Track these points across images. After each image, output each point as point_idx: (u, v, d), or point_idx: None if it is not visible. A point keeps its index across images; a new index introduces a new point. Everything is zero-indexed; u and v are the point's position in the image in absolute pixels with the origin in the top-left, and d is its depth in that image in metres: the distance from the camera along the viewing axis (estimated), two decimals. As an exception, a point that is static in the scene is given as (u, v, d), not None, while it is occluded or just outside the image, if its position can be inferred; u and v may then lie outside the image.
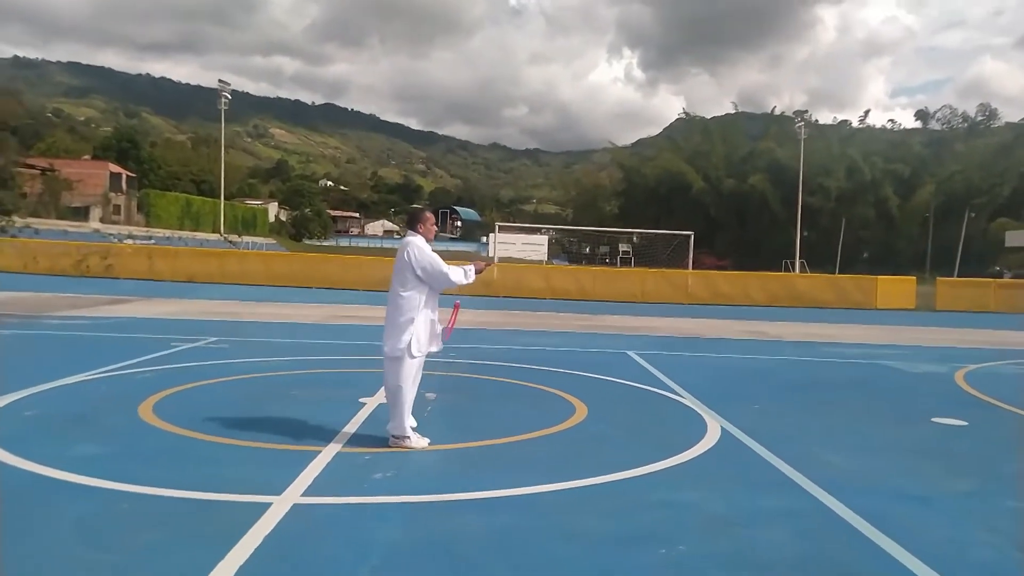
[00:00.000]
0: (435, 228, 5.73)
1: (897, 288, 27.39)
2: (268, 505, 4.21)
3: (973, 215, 60.57)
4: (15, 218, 39.07)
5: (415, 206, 6.00)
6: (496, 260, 31.17)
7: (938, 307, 26.44)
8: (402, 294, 5.51)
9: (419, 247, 5.50)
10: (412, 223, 5.76)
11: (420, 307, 5.51)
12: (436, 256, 5.54)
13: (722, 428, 6.61)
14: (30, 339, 11.11)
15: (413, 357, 5.51)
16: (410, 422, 5.65)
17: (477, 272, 5.68)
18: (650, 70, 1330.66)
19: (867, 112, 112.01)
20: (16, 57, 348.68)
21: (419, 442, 5.54)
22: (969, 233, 58.00)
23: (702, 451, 5.84)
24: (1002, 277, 45.62)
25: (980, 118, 76.64)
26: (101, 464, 4.90)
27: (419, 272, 5.46)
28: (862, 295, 26.58)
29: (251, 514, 4.06)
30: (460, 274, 5.54)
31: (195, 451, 5.37)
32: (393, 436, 5.56)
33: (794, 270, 49.45)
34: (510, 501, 4.50)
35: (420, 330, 5.53)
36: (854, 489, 4.92)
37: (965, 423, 7.34)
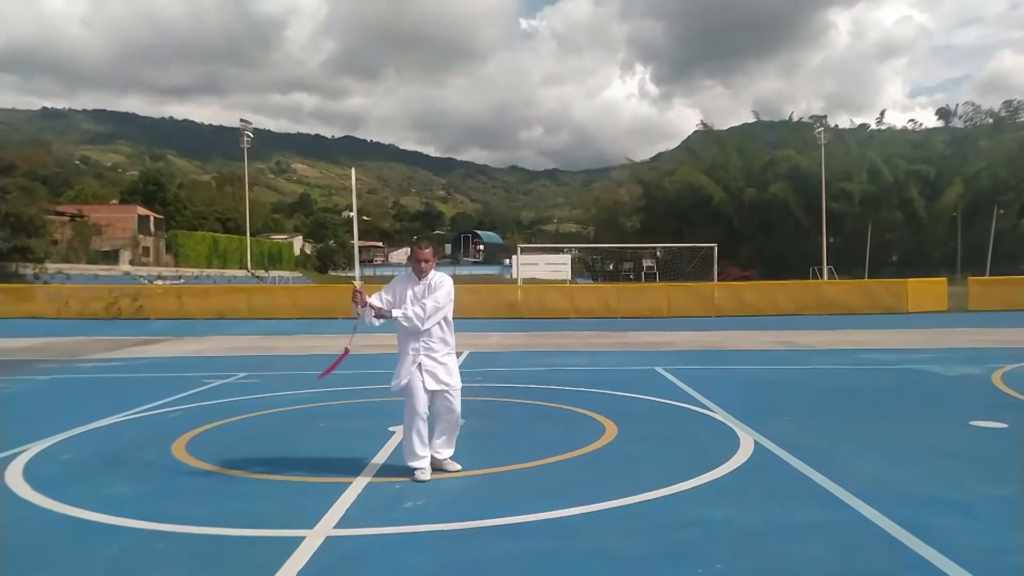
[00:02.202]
0: (420, 263, 5.56)
1: (928, 290, 26.96)
2: (301, 539, 4.22)
3: (1002, 212, 59.50)
4: (47, 265, 39.88)
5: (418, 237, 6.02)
6: (520, 281, 31.21)
7: (970, 307, 25.97)
8: None
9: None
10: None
11: (400, 342, 5.65)
12: (382, 292, 5.65)
13: (755, 442, 6.53)
14: (65, 383, 11.29)
15: (398, 388, 5.59)
16: (427, 452, 5.58)
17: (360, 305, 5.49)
18: (663, 84, 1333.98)
19: (883, 113, 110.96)
20: (44, 108, 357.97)
21: (422, 476, 5.45)
22: (999, 230, 56.96)
23: (735, 466, 5.77)
24: (1036, 273, 44.76)
25: (1004, 113, 75.58)
26: (135, 504, 4.95)
27: None
28: (893, 299, 26.18)
29: (285, 549, 4.08)
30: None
31: (228, 487, 5.41)
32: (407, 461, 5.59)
33: (822, 277, 48.92)
34: (542, 525, 4.48)
35: (399, 364, 5.62)
36: (892, 498, 4.83)
37: (1004, 425, 7.19)
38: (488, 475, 5.64)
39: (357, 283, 5.65)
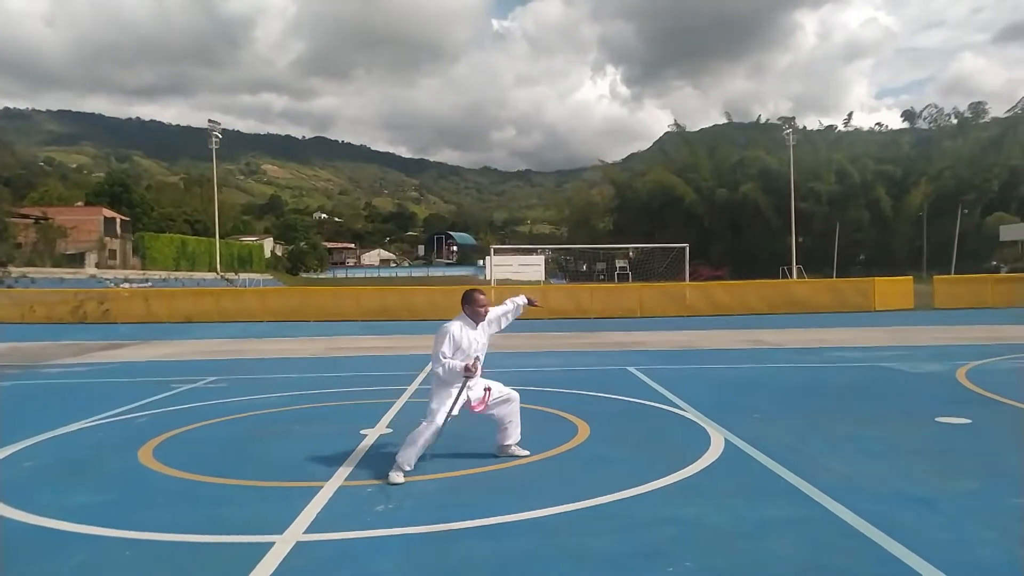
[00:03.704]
0: (483, 309, 5.90)
1: (895, 289, 27.39)
2: (271, 545, 4.18)
3: (966, 211, 60.74)
4: (11, 268, 39.09)
5: (468, 288, 6.33)
6: (494, 282, 31.21)
7: (936, 305, 26.44)
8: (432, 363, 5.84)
9: (441, 336, 5.76)
10: (462, 303, 5.95)
11: (446, 376, 5.76)
12: (443, 349, 5.73)
13: (726, 440, 6.59)
14: (29, 389, 11.07)
15: (434, 417, 5.69)
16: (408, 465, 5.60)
17: (466, 373, 5.72)
18: (634, 86, 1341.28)
19: (850, 115, 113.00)
20: (6, 108, 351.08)
21: (395, 478, 5.44)
22: (963, 229, 58.11)
23: (706, 464, 5.81)
24: (999, 272, 45.73)
25: (969, 115, 77.14)
26: (102, 511, 4.87)
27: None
28: (860, 298, 26.57)
29: (254, 554, 4.03)
30: (441, 369, 5.73)
31: (197, 493, 5.34)
32: (397, 461, 5.56)
33: (791, 276, 49.52)
34: (514, 526, 4.47)
35: (440, 394, 5.78)
36: (859, 494, 4.90)
37: (968, 421, 7.31)
38: (460, 477, 5.62)
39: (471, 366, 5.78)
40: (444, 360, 5.71)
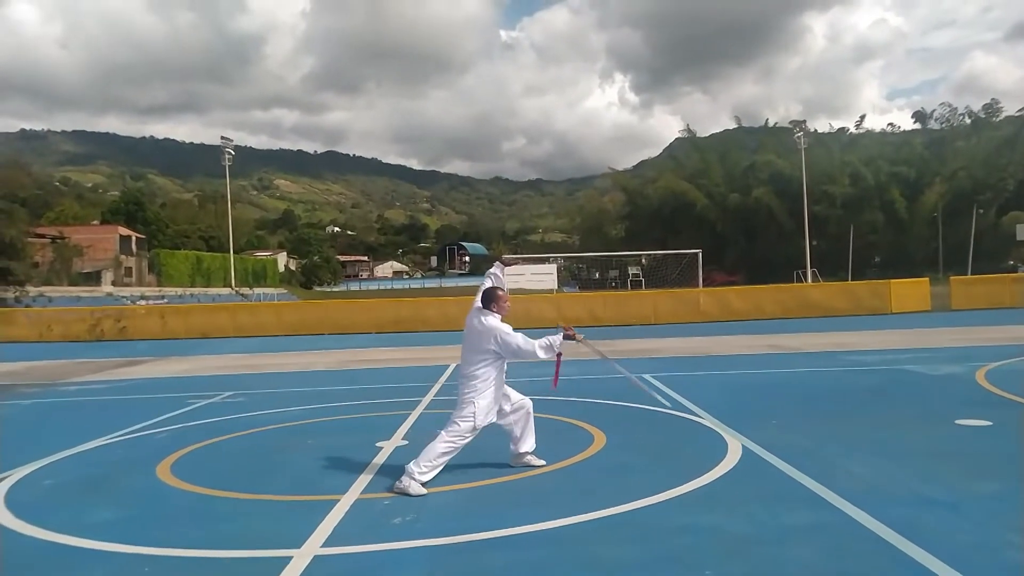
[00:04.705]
0: (507, 304, 6.00)
1: (911, 291, 27.17)
2: (289, 559, 4.18)
3: (981, 211, 60.17)
4: (28, 288, 39.43)
5: (488, 287, 6.39)
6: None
7: (953, 306, 26.19)
8: (475, 372, 5.79)
9: (505, 332, 5.75)
10: (487, 302, 5.96)
11: (489, 382, 5.81)
12: (520, 337, 5.74)
13: (743, 446, 6.54)
14: (47, 407, 11.16)
15: (475, 428, 5.73)
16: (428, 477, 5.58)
17: (567, 337, 5.93)
18: (643, 93, 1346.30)
19: (863, 117, 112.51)
20: (23, 130, 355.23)
21: (417, 489, 5.43)
22: (979, 229, 57.52)
23: (724, 471, 5.77)
24: (1016, 271, 45.27)
25: (982, 114, 76.52)
26: (121, 528, 4.89)
27: (505, 354, 5.79)
28: (876, 300, 26.36)
29: (272, 569, 4.04)
30: (543, 351, 5.80)
31: (214, 509, 5.35)
32: (409, 470, 5.49)
33: (806, 280, 49.20)
34: (533, 537, 4.45)
35: (484, 403, 5.77)
36: (880, 499, 4.84)
37: (989, 423, 7.23)
38: (478, 488, 5.61)
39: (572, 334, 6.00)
40: (537, 344, 5.74)
